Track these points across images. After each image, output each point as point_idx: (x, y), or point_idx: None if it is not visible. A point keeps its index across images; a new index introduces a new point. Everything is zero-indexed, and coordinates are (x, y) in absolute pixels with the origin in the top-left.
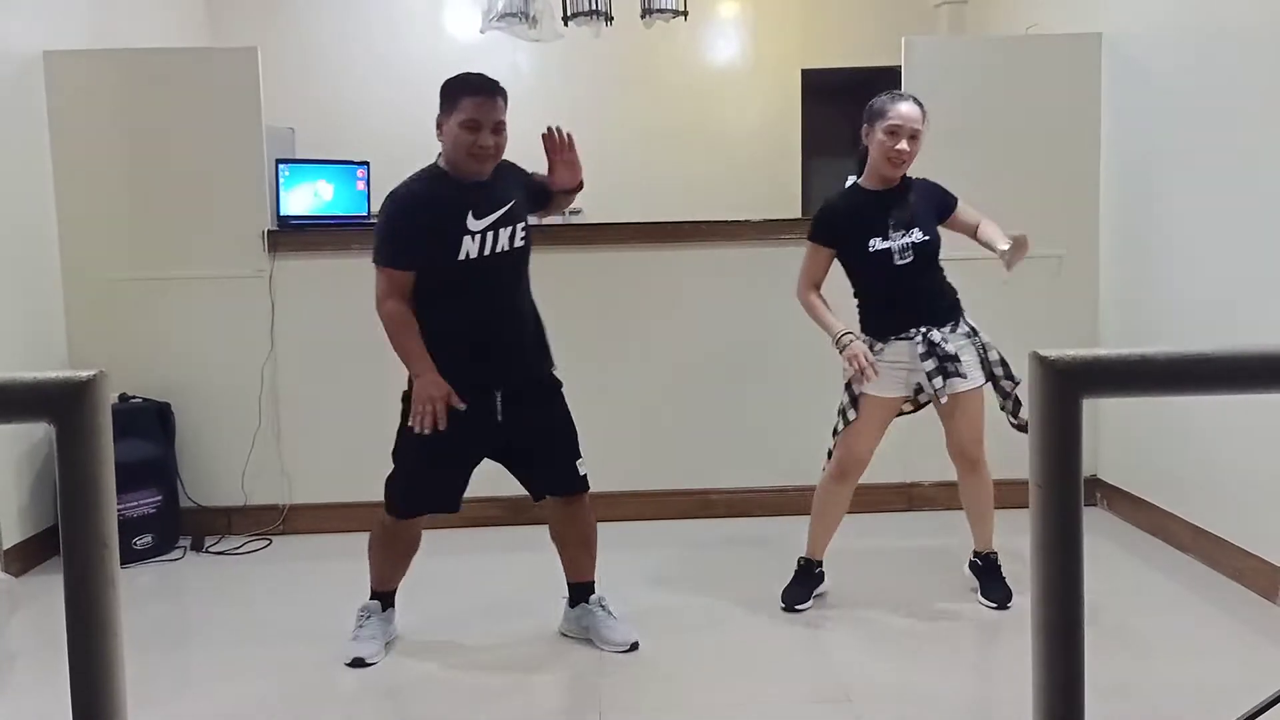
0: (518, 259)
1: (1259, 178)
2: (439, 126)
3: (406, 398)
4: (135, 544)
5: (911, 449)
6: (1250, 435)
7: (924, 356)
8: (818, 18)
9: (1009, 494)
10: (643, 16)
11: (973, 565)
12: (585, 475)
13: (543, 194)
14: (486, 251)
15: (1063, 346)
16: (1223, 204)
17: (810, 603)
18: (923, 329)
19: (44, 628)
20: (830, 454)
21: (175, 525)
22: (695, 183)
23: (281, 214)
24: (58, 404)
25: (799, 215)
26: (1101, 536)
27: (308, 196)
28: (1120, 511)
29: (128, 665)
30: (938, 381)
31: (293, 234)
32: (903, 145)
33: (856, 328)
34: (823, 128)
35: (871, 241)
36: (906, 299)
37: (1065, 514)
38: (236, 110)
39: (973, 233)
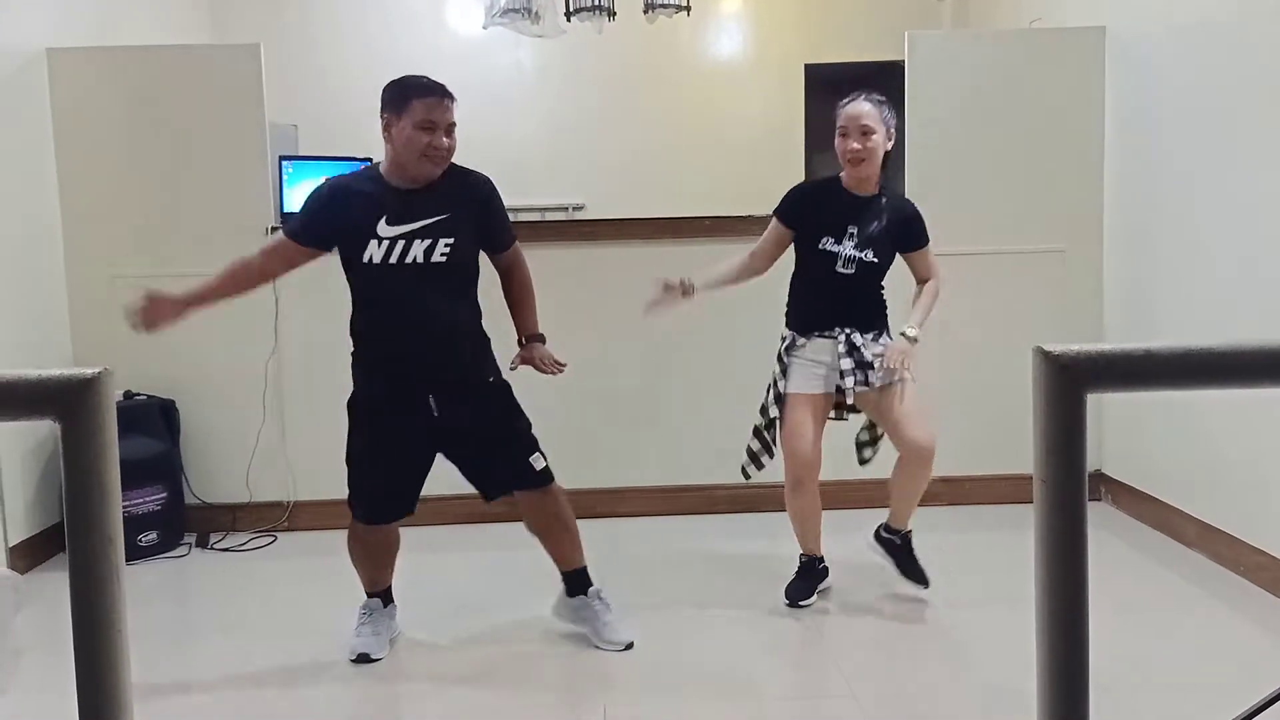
0: (435, 274)
1: (1263, 171)
2: (386, 129)
3: (350, 407)
4: (140, 541)
5: None
6: (1256, 430)
7: (844, 355)
8: (821, 12)
9: (1013, 489)
10: (645, 11)
11: (886, 541)
12: (544, 469)
13: (490, 245)
14: (393, 260)
15: (1067, 341)
16: (1227, 197)
17: (814, 598)
18: (846, 329)
19: (50, 624)
20: (748, 451)
21: (180, 522)
22: (698, 178)
23: (285, 211)
24: (63, 401)
25: None
26: (1106, 532)
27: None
28: (1125, 507)
29: (133, 661)
30: (850, 380)
31: None
32: (854, 144)
33: (783, 317)
34: (826, 123)
35: (824, 239)
36: (836, 302)
37: (1070, 509)
38: (239, 107)
39: (918, 280)
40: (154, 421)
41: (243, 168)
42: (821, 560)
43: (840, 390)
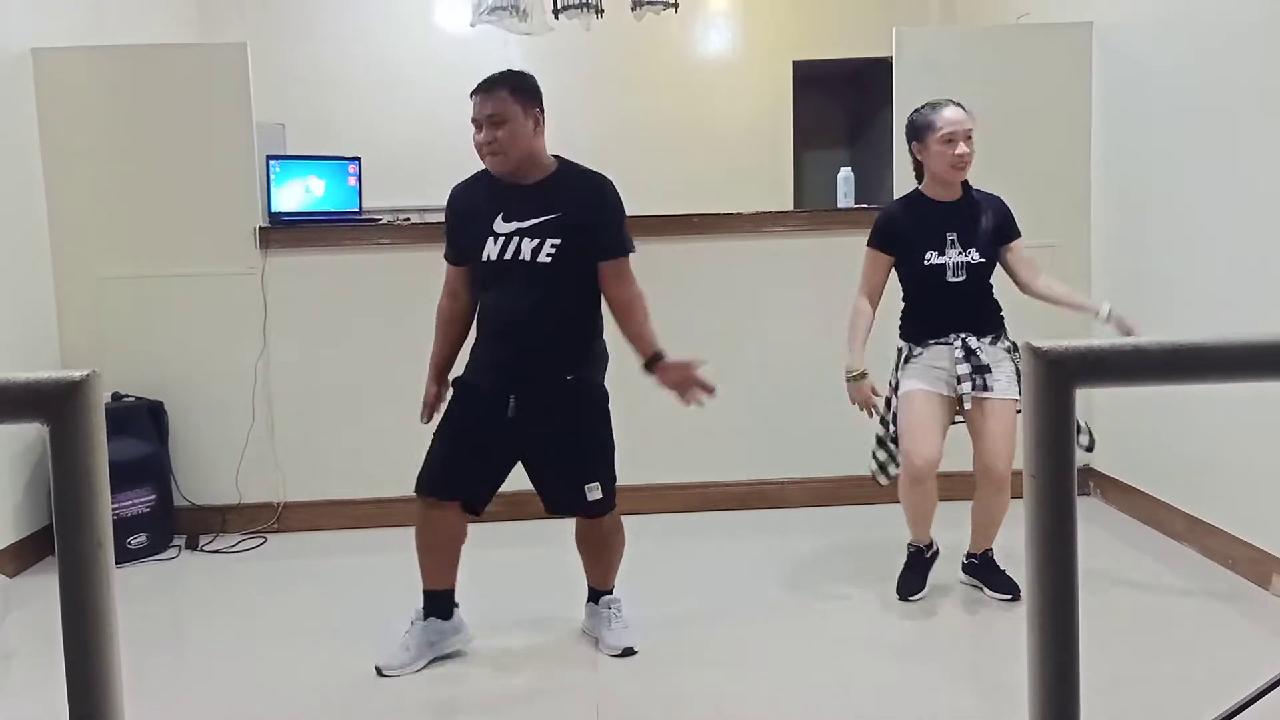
0: (536, 273)
1: (1249, 166)
2: None
3: (456, 383)
4: (130, 543)
5: None
6: (1244, 424)
7: (960, 360)
8: (808, 9)
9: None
10: (633, 9)
11: (970, 567)
12: (598, 500)
13: (593, 251)
14: (507, 256)
15: (1056, 337)
16: (1215, 191)
17: (925, 591)
18: (962, 335)
19: (39, 628)
20: (874, 457)
21: (170, 524)
22: (687, 175)
23: (273, 210)
24: (51, 404)
25: (791, 207)
26: (1095, 526)
27: (299, 193)
28: (1114, 501)
29: (124, 665)
30: (966, 385)
31: (284, 230)
32: (963, 148)
33: (895, 329)
34: (814, 119)
35: (928, 254)
36: (951, 312)
37: (1059, 504)
38: (227, 106)
39: (1023, 280)
40: (142, 423)
41: (230, 167)
42: (930, 546)
43: (958, 396)
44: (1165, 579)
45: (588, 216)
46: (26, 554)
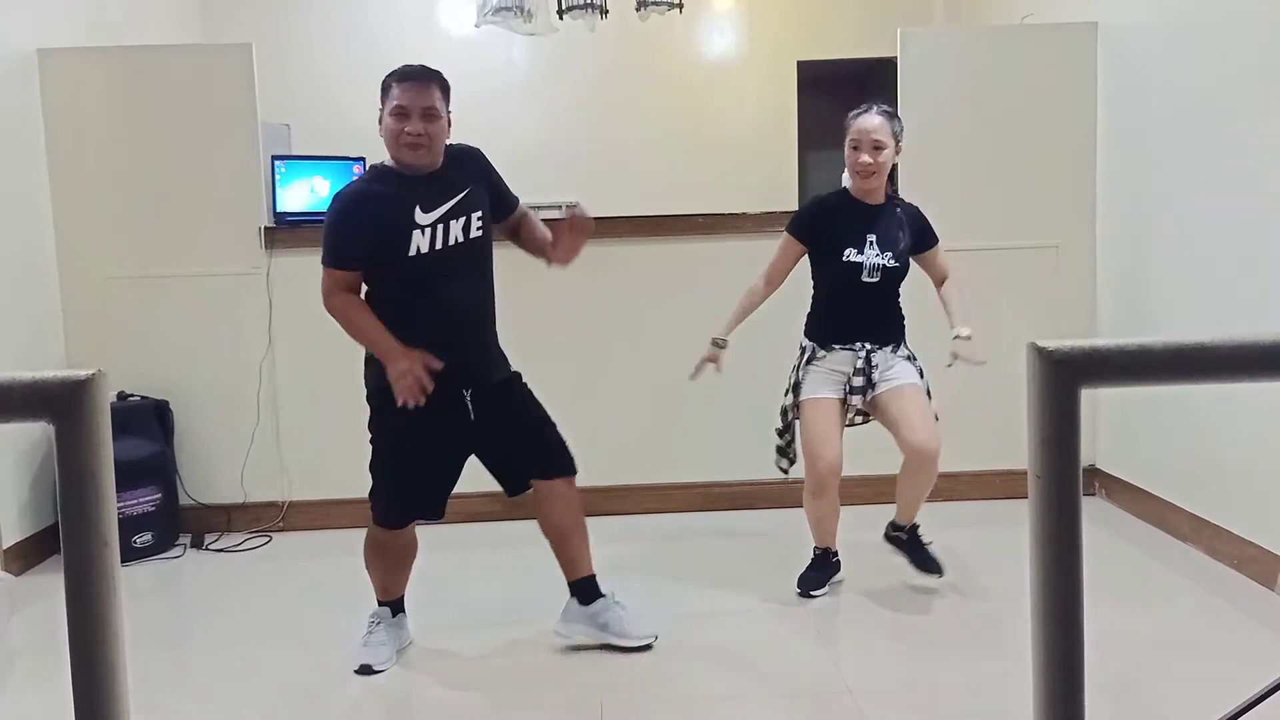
0: (474, 251)
1: (1254, 166)
2: (379, 122)
3: (375, 394)
4: (135, 542)
5: None
6: (1250, 424)
7: (857, 372)
8: (813, 9)
9: (1006, 484)
10: (638, 9)
11: (894, 539)
12: (571, 458)
13: (504, 208)
14: (438, 245)
15: (1060, 337)
16: (1219, 192)
17: (826, 589)
18: (868, 345)
19: (45, 626)
20: (778, 451)
21: (175, 523)
22: (691, 175)
23: (278, 210)
24: (57, 403)
25: (795, 208)
26: (1100, 526)
27: (304, 193)
28: (1119, 501)
29: (128, 663)
30: (857, 399)
31: (289, 230)
32: (865, 158)
33: (800, 329)
34: (819, 120)
35: (847, 251)
36: (859, 315)
37: (1064, 504)
38: (232, 107)
39: (936, 282)
40: (148, 422)
41: (235, 168)
42: (835, 553)
43: (845, 403)
44: (1170, 579)
45: (485, 181)
46: (32, 553)
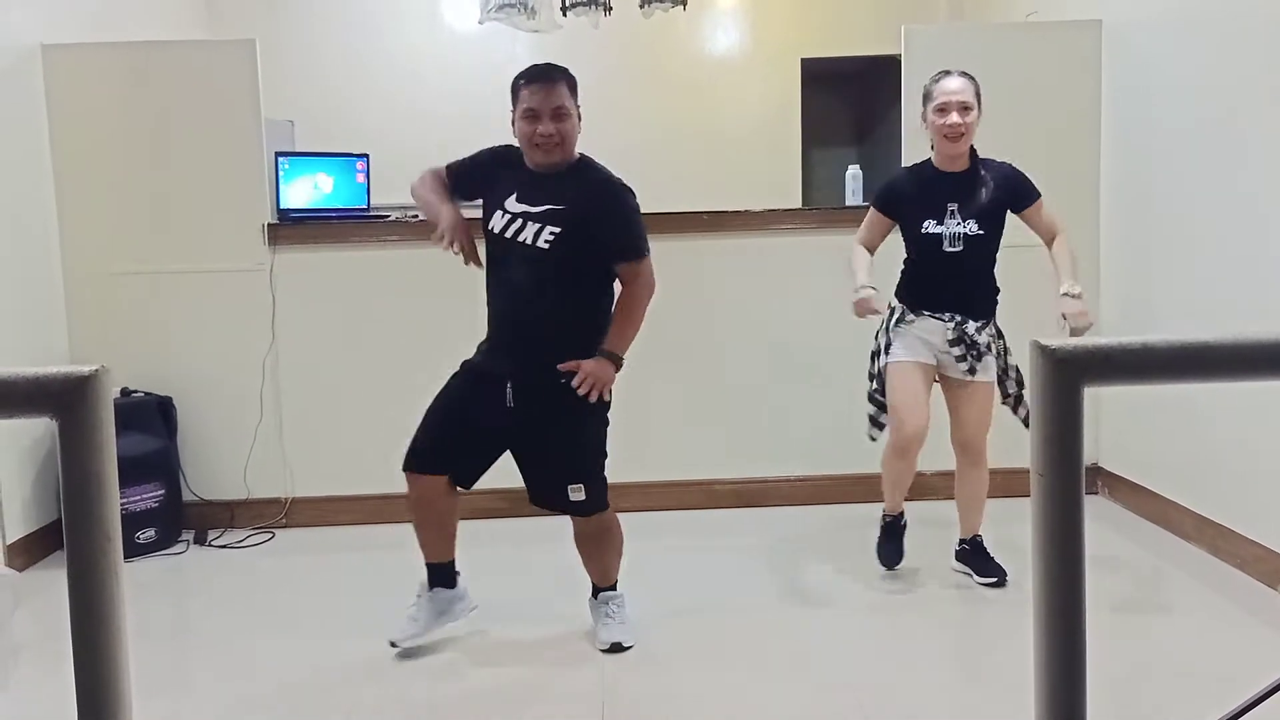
0: (536, 258)
1: (1259, 164)
2: (512, 124)
3: (463, 364)
4: (138, 538)
5: None
6: (1253, 423)
7: (953, 342)
8: (817, 6)
9: (1010, 482)
10: (642, 6)
11: (961, 553)
12: (581, 501)
13: (607, 255)
14: (509, 234)
15: (1063, 335)
16: (1224, 191)
17: (904, 560)
18: (957, 316)
19: (48, 622)
20: (870, 419)
21: (178, 519)
22: (695, 172)
23: (281, 207)
24: (60, 399)
25: (799, 205)
26: (1103, 524)
27: (307, 189)
28: (1122, 499)
29: (131, 659)
30: (963, 366)
31: (293, 227)
32: (954, 118)
33: (891, 288)
34: (823, 117)
35: (926, 222)
36: (947, 284)
37: (1067, 502)
38: (236, 103)
39: (1045, 240)
40: (151, 418)
41: (239, 163)
42: (902, 517)
43: (940, 372)
44: (1173, 578)
45: (593, 216)
46: (35, 548)
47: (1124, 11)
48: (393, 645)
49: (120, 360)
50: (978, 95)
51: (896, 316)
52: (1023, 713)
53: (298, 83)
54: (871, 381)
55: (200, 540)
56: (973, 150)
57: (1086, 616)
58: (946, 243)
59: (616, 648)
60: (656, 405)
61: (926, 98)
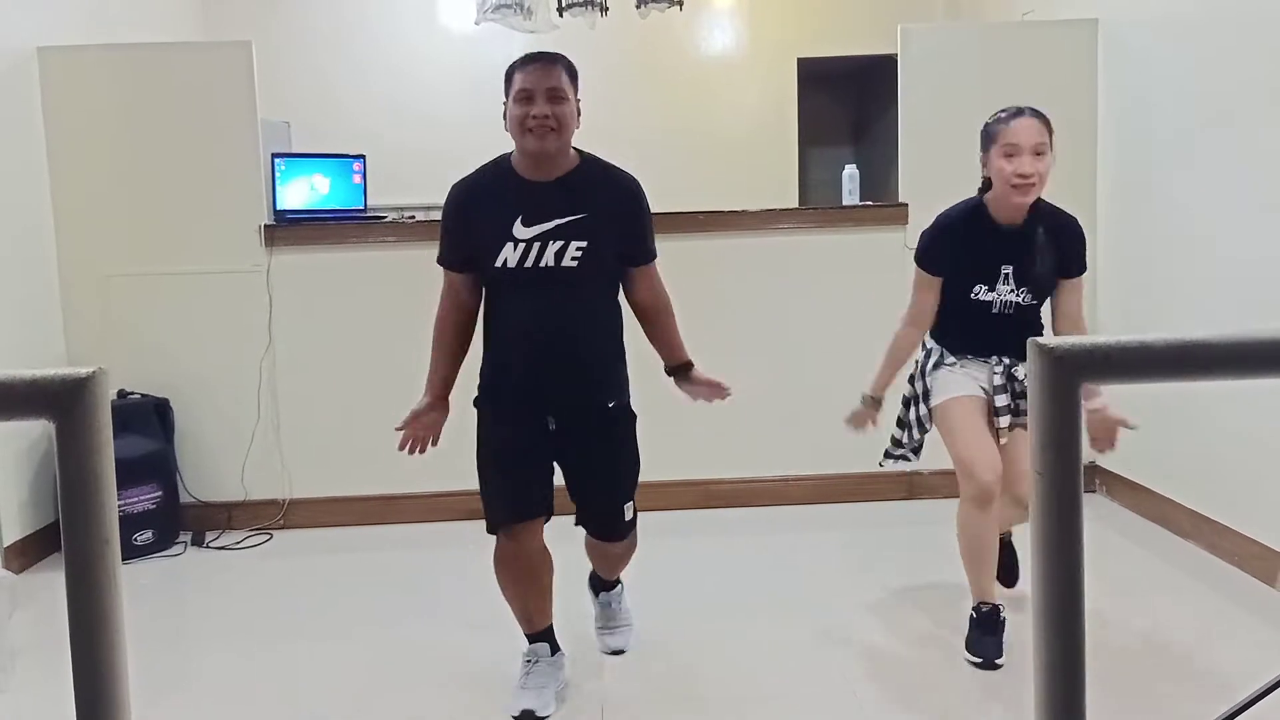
0: (565, 280)
1: (1256, 162)
2: (504, 117)
3: (479, 392)
4: (136, 540)
5: None
6: (1250, 421)
7: (1000, 389)
8: (813, 6)
9: None
10: (638, 6)
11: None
12: (630, 520)
13: (626, 258)
14: (528, 264)
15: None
16: (1220, 189)
17: (1004, 655)
18: (1005, 359)
19: (45, 625)
20: (886, 455)
21: (175, 521)
22: (692, 172)
23: (278, 208)
24: (57, 401)
25: (795, 204)
26: (1102, 523)
27: (304, 190)
28: (1120, 498)
29: (130, 661)
30: (1005, 419)
31: (289, 228)
32: (1026, 166)
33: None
34: (819, 116)
35: (976, 288)
36: (991, 338)
37: (1065, 501)
38: (232, 104)
39: (1058, 315)
40: (148, 420)
41: (235, 165)
42: (1000, 607)
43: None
44: (1171, 576)
45: (617, 219)
46: (32, 551)
47: (1120, 11)
48: (530, 716)
49: (117, 362)
50: (1051, 136)
51: (934, 361)
52: (1023, 711)
53: (294, 84)
54: (903, 430)
55: (198, 542)
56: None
57: (1085, 615)
58: (995, 308)
59: (617, 653)
60: (651, 406)
61: (990, 138)
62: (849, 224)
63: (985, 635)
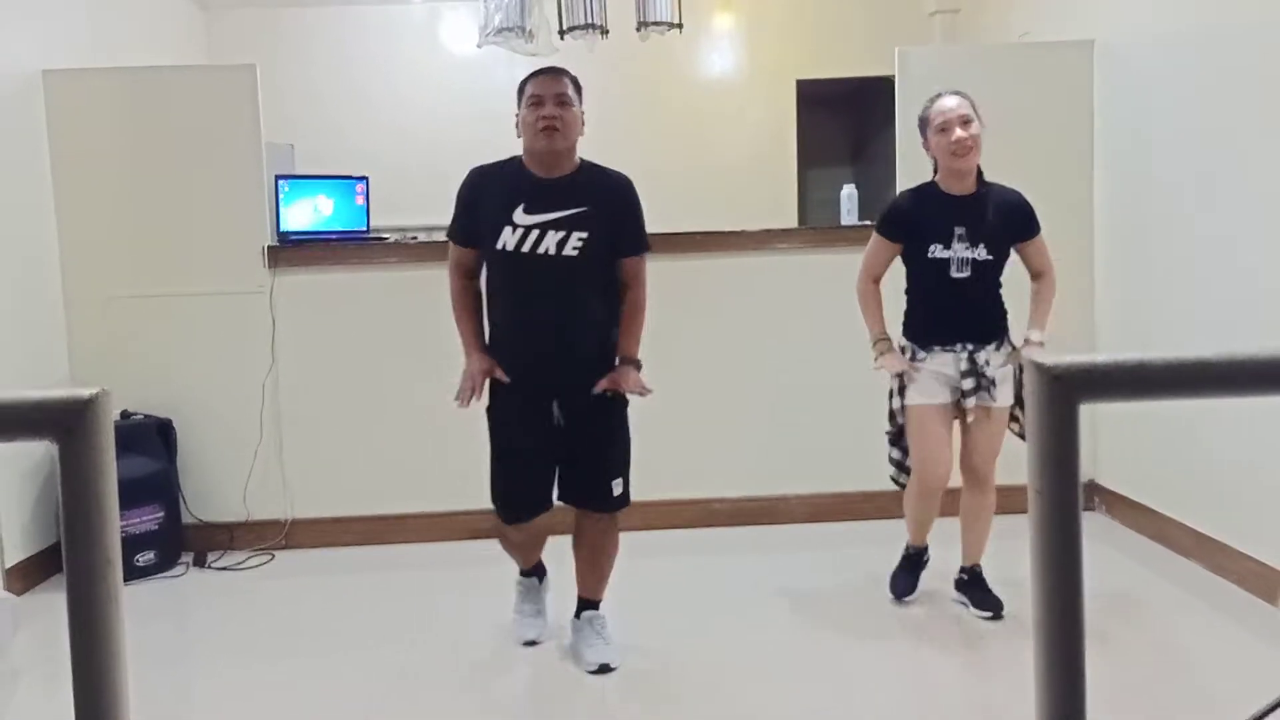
0: (563, 268)
1: (1252, 181)
2: (516, 125)
3: (488, 412)
4: (138, 560)
5: None
6: (1249, 438)
7: (965, 374)
8: (812, 29)
9: (1007, 500)
10: (638, 30)
11: (959, 583)
12: (620, 495)
13: (618, 250)
14: (525, 249)
15: (1059, 352)
16: (1216, 208)
17: (916, 593)
18: (969, 345)
19: (47, 646)
20: (895, 465)
21: (177, 541)
22: (691, 193)
23: (281, 229)
24: (60, 422)
25: (795, 225)
26: (1101, 541)
27: (307, 212)
28: (1119, 516)
29: (131, 682)
30: (972, 400)
31: (293, 249)
32: (958, 132)
33: (899, 327)
34: (818, 138)
35: (932, 247)
36: (955, 311)
37: (1064, 519)
38: (236, 127)
39: (1031, 275)
40: (151, 441)
41: (239, 187)
42: (925, 551)
43: (960, 406)
44: (1171, 594)
45: (615, 212)
46: (34, 572)
47: (1116, 32)
48: (531, 644)
49: (120, 383)
50: (975, 109)
51: (907, 357)
52: None
53: (297, 106)
54: (889, 422)
55: (200, 562)
56: (980, 172)
57: (1085, 633)
58: (953, 268)
59: (604, 669)
60: (651, 425)
61: (925, 123)
62: (847, 244)
63: (903, 572)
